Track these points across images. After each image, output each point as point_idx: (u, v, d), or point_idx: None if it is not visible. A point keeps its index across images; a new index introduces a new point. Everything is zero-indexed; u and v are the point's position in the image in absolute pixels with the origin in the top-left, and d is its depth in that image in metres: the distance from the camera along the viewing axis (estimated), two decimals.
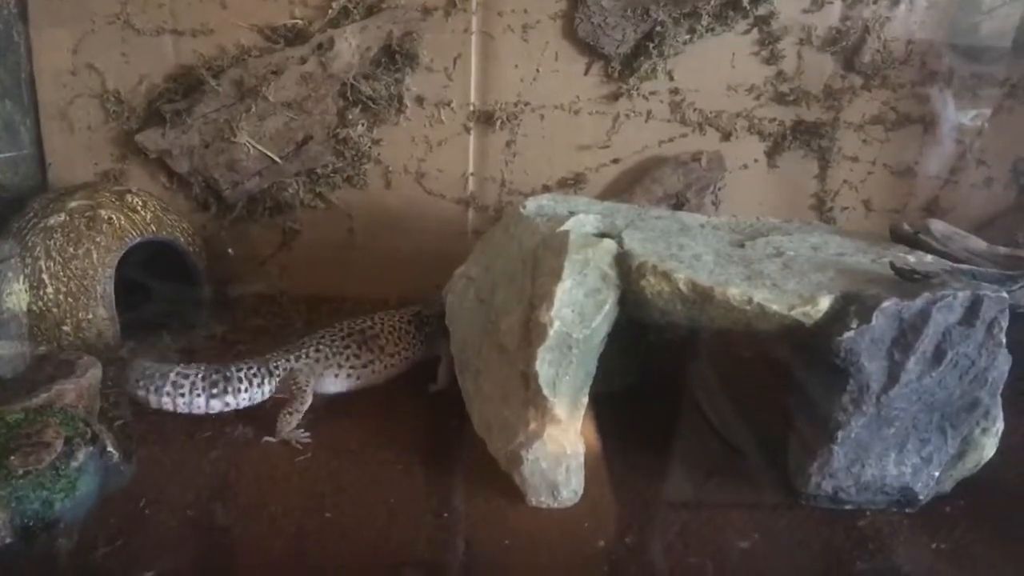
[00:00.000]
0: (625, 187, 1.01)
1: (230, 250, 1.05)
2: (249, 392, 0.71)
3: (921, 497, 0.61)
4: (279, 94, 0.96)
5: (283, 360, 0.74)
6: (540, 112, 1.00)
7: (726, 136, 1.00)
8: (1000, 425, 0.62)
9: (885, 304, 0.55)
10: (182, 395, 0.68)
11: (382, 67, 0.98)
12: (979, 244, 0.73)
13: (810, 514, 0.62)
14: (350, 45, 0.95)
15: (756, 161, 1.01)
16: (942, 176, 1.01)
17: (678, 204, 1.00)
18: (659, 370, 0.81)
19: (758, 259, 0.65)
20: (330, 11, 0.96)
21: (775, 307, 0.57)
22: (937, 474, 0.61)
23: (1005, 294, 0.56)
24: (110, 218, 0.88)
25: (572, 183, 1.02)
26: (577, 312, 0.60)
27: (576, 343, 0.59)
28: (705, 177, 1.00)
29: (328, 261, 1.05)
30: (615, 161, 1.02)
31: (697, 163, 0.99)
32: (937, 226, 0.75)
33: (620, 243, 0.64)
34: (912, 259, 0.63)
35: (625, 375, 0.77)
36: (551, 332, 0.58)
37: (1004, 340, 0.57)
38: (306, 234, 1.05)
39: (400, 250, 1.05)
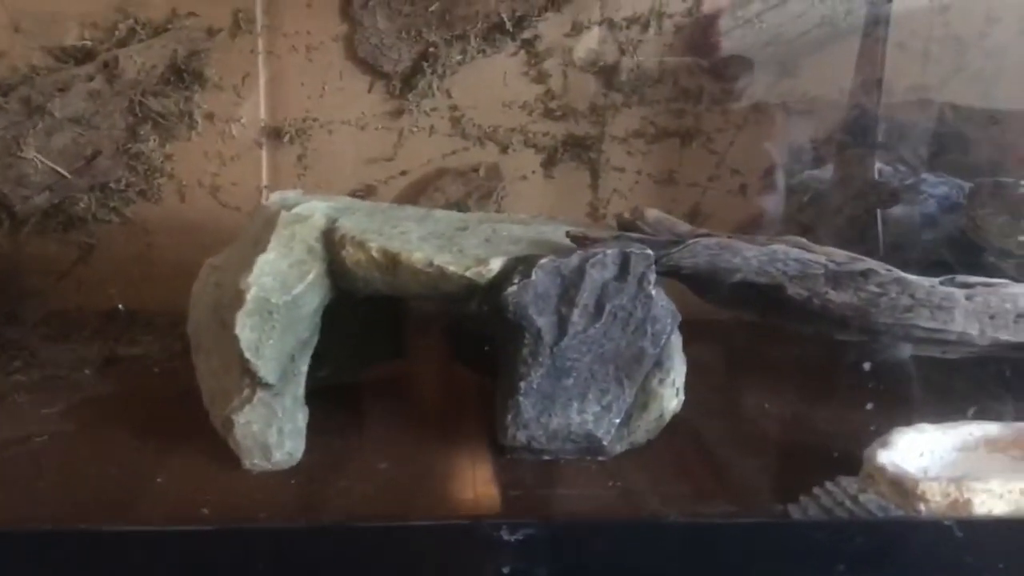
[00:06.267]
0: (412, 197, 1.08)
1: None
2: None
3: (605, 443, 0.67)
4: (65, 110, 1.00)
5: None
6: (328, 127, 1.06)
7: (504, 149, 1.08)
8: (677, 378, 0.69)
9: (543, 261, 0.62)
10: None
11: (171, 85, 1.03)
12: (684, 227, 0.82)
13: (507, 463, 0.67)
14: (135, 63, 1.00)
15: (533, 172, 1.09)
16: (700, 184, 1.11)
17: (461, 211, 1.06)
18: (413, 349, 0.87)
19: (466, 237, 0.72)
20: (117, 32, 1.01)
21: (452, 268, 0.64)
22: (618, 421, 0.67)
23: (650, 251, 0.63)
24: None
25: (363, 194, 1.08)
26: (279, 280, 0.64)
27: (276, 308, 0.64)
28: (484, 186, 1.07)
29: (126, 275, 1.07)
30: (403, 173, 1.08)
31: (475, 173, 1.07)
32: (650, 213, 0.83)
33: (333, 223, 0.70)
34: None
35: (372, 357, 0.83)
36: (248, 297, 0.63)
37: (653, 293, 0.64)
38: (102, 249, 1.07)
39: (198, 262, 1.06)
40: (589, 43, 1.06)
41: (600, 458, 0.68)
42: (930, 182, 1.06)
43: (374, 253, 0.65)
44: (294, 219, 0.68)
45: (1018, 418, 0.66)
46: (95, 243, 1.06)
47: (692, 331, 0.74)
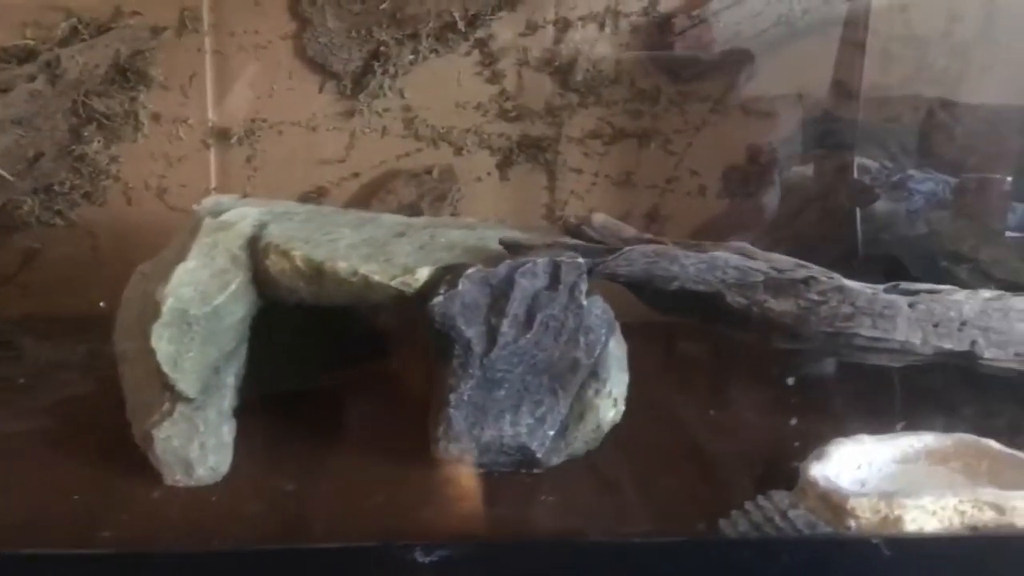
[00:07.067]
0: (364, 199, 1.06)
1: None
2: None
3: (539, 455, 0.65)
4: (6, 111, 0.97)
5: None
6: (278, 128, 1.04)
7: (458, 151, 1.06)
8: (615, 389, 0.67)
9: (470, 271, 0.60)
10: None
11: (116, 85, 1.00)
12: (629, 231, 0.80)
13: (435, 477, 0.65)
14: (77, 63, 0.97)
15: (489, 174, 1.08)
16: (659, 186, 1.09)
17: (414, 214, 1.04)
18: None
19: (400, 244, 0.70)
20: (59, 31, 0.98)
21: (377, 278, 0.62)
22: (552, 433, 0.66)
23: (581, 260, 0.62)
24: None
25: (315, 196, 1.06)
26: (199, 291, 0.62)
27: (196, 320, 0.62)
28: (438, 188, 1.05)
29: (73, 279, 1.05)
30: (356, 175, 1.06)
31: (429, 175, 1.05)
32: (597, 218, 0.81)
33: (261, 229, 0.68)
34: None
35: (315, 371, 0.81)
36: (165, 309, 0.61)
37: (585, 303, 0.62)
38: (48, 253, 1.05)
39: None
40: (546, 42, 1.04)
41: (535, 471, 0.66)
42: (916, 179, 1.05)
43: (298, 262, 0.63)
44: (217, 227, 0.66)
45: (957, 429, 0.64)
46: (39, 247, 1.04)
47: (644, 335, 0.73)
